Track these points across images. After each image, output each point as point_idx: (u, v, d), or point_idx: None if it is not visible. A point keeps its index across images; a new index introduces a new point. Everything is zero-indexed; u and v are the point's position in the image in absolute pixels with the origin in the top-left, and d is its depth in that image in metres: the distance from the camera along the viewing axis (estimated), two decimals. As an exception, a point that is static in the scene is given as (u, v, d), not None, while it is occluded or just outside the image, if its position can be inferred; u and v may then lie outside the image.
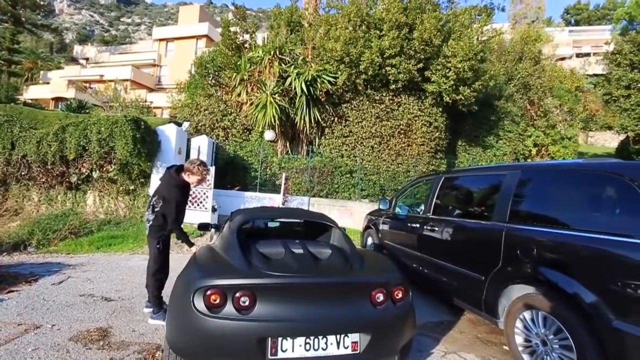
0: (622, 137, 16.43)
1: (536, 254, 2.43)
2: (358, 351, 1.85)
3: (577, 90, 17.50)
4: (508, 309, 2.64)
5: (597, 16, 42.52)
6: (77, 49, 39.17)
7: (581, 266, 2.17)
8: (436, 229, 3.65)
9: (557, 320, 2.24)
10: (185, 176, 3.03)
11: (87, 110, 12.53)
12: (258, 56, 10.14)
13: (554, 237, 2.38)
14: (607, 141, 23.34)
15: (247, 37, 11.69)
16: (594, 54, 27.95)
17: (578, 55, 30.73)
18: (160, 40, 28.79)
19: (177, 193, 2.95)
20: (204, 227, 3.44)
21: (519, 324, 2.56)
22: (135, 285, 4.02)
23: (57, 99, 25.09)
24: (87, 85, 24.70)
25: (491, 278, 2.78)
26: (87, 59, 34.87)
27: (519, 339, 2.56)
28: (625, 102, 13.13)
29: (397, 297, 2.05)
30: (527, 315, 2.49)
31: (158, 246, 2.97)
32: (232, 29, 11.51)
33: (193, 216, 7.54)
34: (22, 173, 7.90)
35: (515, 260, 2.59)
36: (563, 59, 27.53)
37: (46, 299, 3.45)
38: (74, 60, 37.10)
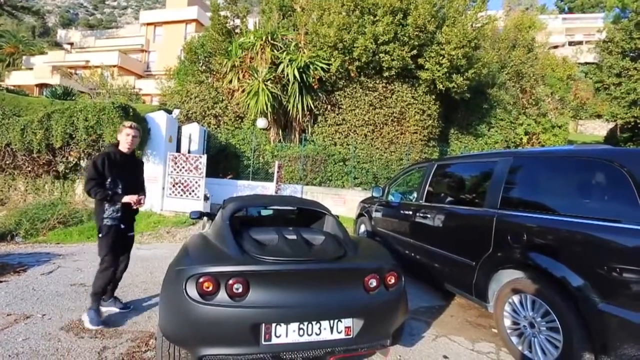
0: (611, 125, 16.70)
1: (526, 239, 2.47)
2: (351, 336, 1.87)
3: (568, 79, 17.59)
4: (498, 293, 2.70)
5: (591, 3, 42.41)
6: (61, 33, 37.55)
7: (570, 251, 2.21)
8: (428, 216, 3.68)
9: (545, 304, 2.29)
10: (120, 144, 2.81)
11: (73, 97, 12.15)
12: (249, 42, 9.90)
13: (544, 223, 2.41)
14: (597, 129, 23.68)
15: (237, 21, 11.39)
16: (586, 42, 28.04)
17: (570, 44, 30.76)
18: (148, 24, 27.82)
19: (101, 156, 2.69)
20: (196, 215, 3.40)
21: (507, 307, 2.62)
22: (127, 274, 3.97)
23: (41, 86, 24.24)
24: (73, 71, 23.84)
25: (482, 263, 2.82)
26: (71, 44, 33.56)
27: (508, 322, 2.62)
28: (616, 90, 13.26)
29: (390, 283, 2.06)
30: (516, 299, 2.55)
31: (100, 235, 2.70)
32: (222, 13, 11.19)
33: (185, 205, 7.49)
34: (7, 162, 7.70)
35: (505, 246, 2.63)
36: (556, 47, 27.53)
37: (36, 289, 3.41)
38: (57, 45, 35.68)
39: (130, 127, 2.78)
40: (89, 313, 2.67)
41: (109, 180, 2.67)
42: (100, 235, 2.68)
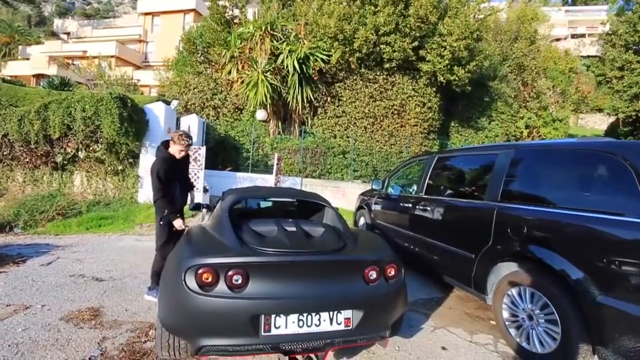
0: (611, 119, 16.63)
1: (526, 232, 2.46)
2: (350, 327, 1.88)
3: (570, 72, 17.45)
4: (496, 286, 2.71)
5: (594, -4, 41.82)
6: (57, 22, 37.00)
7: (570, 244, 2.21)
8: (428, 208, 3.67)
9: (544, 296, 2.30)
10: (171, 148, 3.07)
11: (71, 88, 12.00)
12: (248, 32, 9.76)
13: (545, 216, 2.40)
14: (597, 123, 23.58)
15: (236, 11, 11.23)
16: (589, 35, 27.72)
17: (573, 36, 30.42)
18: (146, 14, 27.39)
19: (160, 164, 2.92)
20: (196, 207, 3.39)
21: (506, 300, 2.63)
22: (127, 265, 3.99)
23: (38, 76, 23.96)
24: (70, 61, 23.55)
25: (481, 256, 2.82)
26: (68, 34, 33.13)
27: (506, 314, 2.63)
28: (618, 84, 13.16)
29: (390, 275, 2.06)
30: (514, 291, 2.56)
31: (161, 222, 2.99)
32: (221, 2, 11.02)
33: (184, 197, 7.47)
34: (5, 153, 7.63)
35: (505, 239, 2.63)
36: (558, 39, 27.25)
37: (35, 280, 3.41)
38: (54, 35, 35.17)
39: (188, 145, 3.07)
40: (154, 293, 2.97)
41: (171, 184, 3.02)
42: (161, 223, 2.99)
